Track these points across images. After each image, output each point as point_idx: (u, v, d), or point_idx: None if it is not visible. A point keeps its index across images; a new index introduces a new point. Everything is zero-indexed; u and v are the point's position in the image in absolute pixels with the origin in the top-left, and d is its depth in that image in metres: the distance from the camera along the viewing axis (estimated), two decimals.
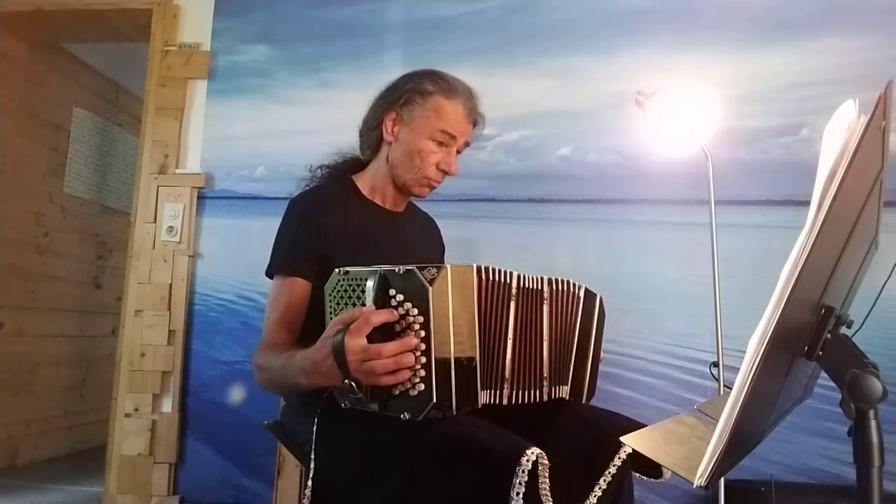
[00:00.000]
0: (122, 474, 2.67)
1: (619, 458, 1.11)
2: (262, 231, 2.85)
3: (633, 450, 1.11)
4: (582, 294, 1.22)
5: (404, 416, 0.96)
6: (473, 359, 1.01)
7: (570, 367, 1.21)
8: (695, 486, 0.61)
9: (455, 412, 0.98)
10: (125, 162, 4.05)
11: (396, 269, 0.97)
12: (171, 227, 2.81)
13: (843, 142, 0.64)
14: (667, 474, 1.17)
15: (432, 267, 0.97)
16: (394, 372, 0.95)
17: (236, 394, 2.69)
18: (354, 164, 1.48)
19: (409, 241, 1.45)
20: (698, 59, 2.60)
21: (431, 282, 0.95)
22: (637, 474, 1.19)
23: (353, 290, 1.02)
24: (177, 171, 2.88)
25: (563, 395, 1.20)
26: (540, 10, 2.78)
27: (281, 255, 1.30)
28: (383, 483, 1.04)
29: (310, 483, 1.14)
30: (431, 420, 0.97)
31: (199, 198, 2.86)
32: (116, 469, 2.68)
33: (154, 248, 2.81)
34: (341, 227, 1.31)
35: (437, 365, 0.95)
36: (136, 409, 2.70)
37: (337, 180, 1.44)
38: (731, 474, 2.04)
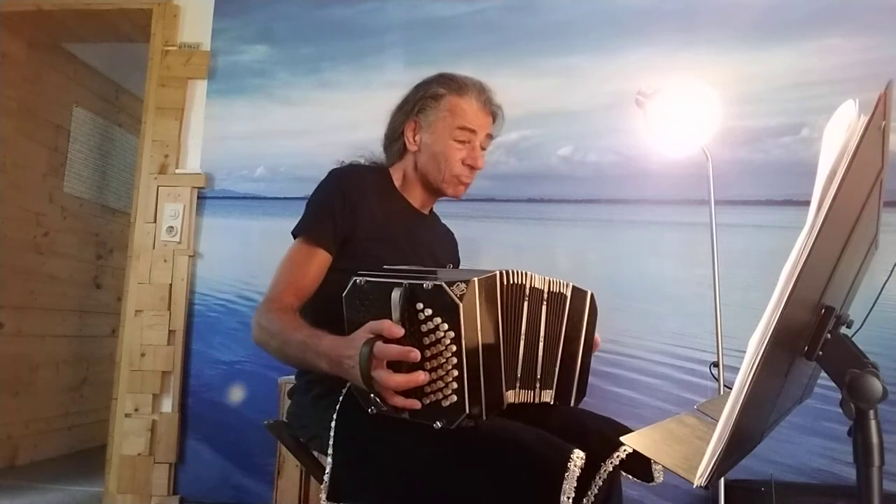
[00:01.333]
0: (122, 474, 2.67)
1: (607, 468, 1.11)
2: (262, 231, 2.85)
3: (624, 457, 1.12)
4: (569, 293, 1.20)
5: (436, 424, 0.98)
6: (500, 365, 1.03)
7: (555, 371, 1.20)
8: (695, 486, 0.61)
9: (486, 419, 1.00)
10: (125, 162, 4.05)
11: (424, 285, 0.97)
12: (171, 227, 2.81)
13: (843, 142, 0.64)
14: (658, 478, 1.16)
15: (460, 281, 0.96)
16: (404, 393, 0.97)
17: (236, 394, 2.69)
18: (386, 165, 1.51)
19: (431, 243, 1.46)
20: (698, 59, 2.60)
21: (461, 297, 0.95)
22: (631, 477, 1.19)
23: (376, 300, 1.01)
24: (177, 171, 2.88)
25: (548, 400, 1.20)
26: (540, 10, 2.78)
27: (312, 220, 1.30)
28: (418, 482, 1.05)
29: (326, 478, 1.14)
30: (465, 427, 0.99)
31: (199, 198, 2.86)
32: (116, 469, 2.68)
33: (154, 248, 2.81)
34: (373, 213, 1.32)
35: (469, 376, 0.96)
36: (136, 409, 2.70)
37: (375, 167, 1.47)
38: (731, 474, 2.04)
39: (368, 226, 1.30)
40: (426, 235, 1.46)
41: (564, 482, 0.93)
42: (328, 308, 1.11)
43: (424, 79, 1.45)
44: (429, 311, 0.97)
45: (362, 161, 1.49)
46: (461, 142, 1.38)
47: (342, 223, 1.28)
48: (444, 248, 1.55)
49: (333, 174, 1.36)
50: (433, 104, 1.39)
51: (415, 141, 1.41)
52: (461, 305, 0.94)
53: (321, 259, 1.27)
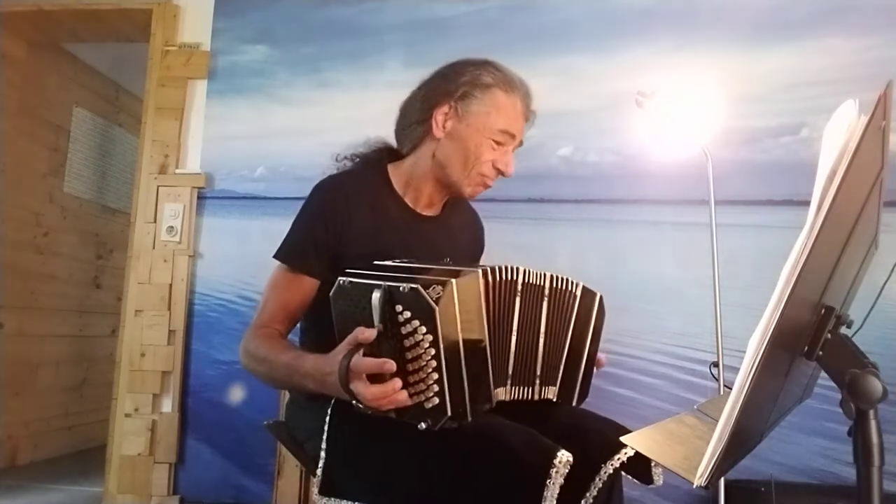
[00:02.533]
0: (122, 474, 2.67)
1: (607, 469, 1.11)
2: (262, 231, 2.85)
3: (625, 459, 1.11)
4: (579, 292, 1.20)
5: (421, 426, 0.98)
6: (486, 364, 1.03)
7: (560, 368, 1.20)
8: (695, 487, 0.61)
9: (471, 419, 0.99)
10: (125, 162, 4.05)
11: (401, 288, 0.96)
12: (171, 227, 2.81)
13: (843, 142, 0.64)
14: (658, 480, 1.16)
15: (437, 284, 0.95)
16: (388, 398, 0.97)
17: (236, 394, 2.69)
18: (390, 154, 1.37)
19: (438, 246, 1.34)
20: (698, 59, 2.60)
21: (437, 301, 0.94)
22: (631, 478, 1.19)
23: (359, 302, 1.01)
24: (177, 171, 2.87)
25: (551, 397, 1.19)
26: (540, 10, 2.78)
27: (294, 245, 1.25)
28: (406, 481, 1.05)
29: (319, 473, 1.14)
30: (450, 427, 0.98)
31: (199, 198, 2.86)
32: (116, 469, 2.68)
33: (154, 248, 2.81)
34: (364, 227, 1.24)
35: (450, 378, 0.96)
36: (136, 409, 2.70)
37: (370, 169, 1.34)
38: (731, 474, 2.04)
39: (359, 242, 1.23)
40: (432, 238, 1.34)
41: (546, 488, 0.93)
42: (330, 327, 1.11)
43: (468, 59, 1.31)
44: (407, 314, 0.96)
45: (361, 150, 1.39)
46: (498, 143, 1.27)
47: (325, 247, 1.22)
48: (460, 245, 1.43)
49: (316, 192, 1.27)
50: (479, 94, 1.25)
51: (444, 127, 1.26)
52: (437, 309, 0.94)
53: (307, 285, 1.23)
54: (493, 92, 1.26)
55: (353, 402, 0.99)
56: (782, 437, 2.28)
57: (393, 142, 1.40)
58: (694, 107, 2.11)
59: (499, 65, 1.31)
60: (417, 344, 0.96)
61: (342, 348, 0.99)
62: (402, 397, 0.97)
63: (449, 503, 1.01)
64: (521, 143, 1.33)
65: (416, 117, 1.31)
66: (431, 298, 0.94)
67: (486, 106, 1.25)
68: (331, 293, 1.06)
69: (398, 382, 0.96)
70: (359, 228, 1.24)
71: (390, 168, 1.34)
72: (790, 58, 2.56)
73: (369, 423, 1.08)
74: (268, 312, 1.22)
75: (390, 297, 0.97)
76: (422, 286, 0.95)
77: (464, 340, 0.98)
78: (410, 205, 1.33)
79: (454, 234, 1.42)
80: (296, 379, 1.10)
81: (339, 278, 1.05)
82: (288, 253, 1.25)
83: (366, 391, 0.95)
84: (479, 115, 1.25)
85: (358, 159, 1.39)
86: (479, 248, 1.53)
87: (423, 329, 0.95)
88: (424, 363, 0.96)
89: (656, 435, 0.80)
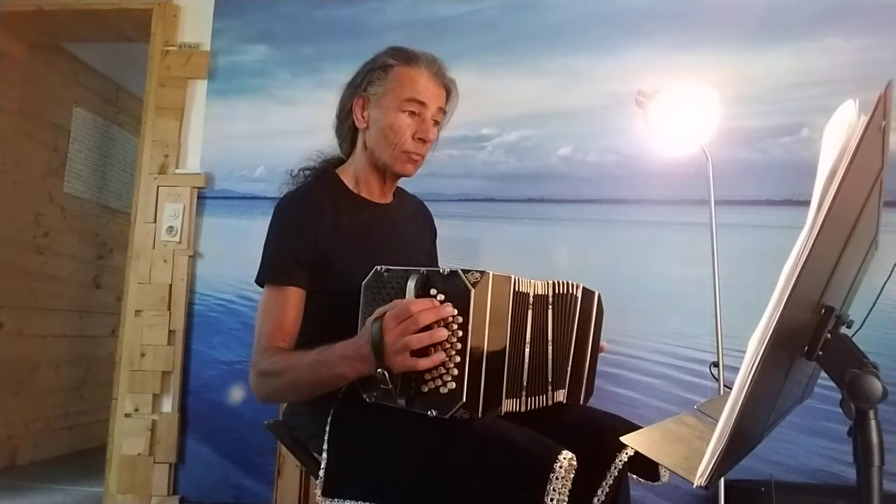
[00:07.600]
0: (122, 474, 2.67)
1: (616, 465, 1.12)
2: (262, 231, 2.82)
3: (633, 453, 1.12)
4: (579, 294, 1.22)
5: (431, 412, 0.98)
6: (502, 367, 1.03)
7: (567, 371, 1.21)
8: (695, 487, 0.61)
9: (479, 416, 0.99)
10: (125, 162, 4.05)
11: (441, 270, 1.00)
12: (171, 227, 2.81)
13: (843, 142, 0.64)
14: (664, 477, 1.17)
15: (476, 271, 0.99)
16: (427, 353, 0.97)
17: (236, 394, 2.69)
18: (337, 161, 1.45)
19: (400, 231, 1.42)
20: (698, 59, 2.60)
21: (475, 285, 0.97)
22: (635, 477, 1.19)
23: (392, 288, 1.04)
24: (177, 171, 2.87)
25: (561, 399, 1.21)
26: (540, 10, 2.78)
27: (272, 263, 1.27)
28: (408, 477, 1.04)
29: (321, 473, 1.14)
30: (461, 420, 0.98)
31: (199, 198, 2.86)
32: (116, 469, 2.68)
33: (154, 248, 2.81)
34: (330, 226, 1.28)
35: (471, 365, 0.97)
36: (136, 409, 2.70)
37: (321, 178, 1.40)
38: (731, 474, 2.04)
39: (334, 243, 1.26)
40: (393, 226, 1.41)
41: (549, 482, 0.93)
42: (318, 329, 1.13)
43: (376, 53, 1.37)
44: (441, 297, 0.99)
45: (313, 164, 1.45)
46: (411, 114, 1.30)
47: (300, 252, 1.24)
48: (416, 230, 1.51)
49: (277, 208, 1.31)
50: (382, 76, 1.31)
51: (363, 117, 1.33)
52: (473, 291, 0.97)
53: (295, 297, 1.23)
54: (394, 69, 1.31)
55: (378, 370, 0.98)
56: (782, 437, 2.28)
57: (331, 151, 1.48)
58: (694, 107, 2.10)
59: (402, 46, 1.36)
60: (447, 325, 0.98)
61: (372, 317, 1.00)
62: (440, 336, 0.96)
63: (452, 500, 1.00)
64: (442, 112, 1.36)
65: (341, 116, 1.41)
66: (469, 282, 0.97)
67: (390, 83, 1.31)
68: (364, 282, 1.08)
69: (443, 331, 0.96)
70: (331, 227, 1.28)
71: (339, 171, 1.40)
72: (790, 58, 2.56)
73: (372, 422, 1.08)
74: (266, 336, 1.21)
75: (427, 281, 1.00)
76: (462, 271, 0.98)
77: (489, 331, 0.99)
78: (366, 197, 1.39)
79: (410, 219, 1.50)
80: (325, 371, 1.08)
81: (376, 266, 1.07)
82: (269, 272, 1.26)
83: (419, 316, 0.95)
84: (386, 94, 1.31)
85: (308, 172, 1.45)
86: (433, 231, 1.59)
87: (455, 311, 0.97)
88: (449, 345, 0.97)
89: (656, 435, 0.80)
